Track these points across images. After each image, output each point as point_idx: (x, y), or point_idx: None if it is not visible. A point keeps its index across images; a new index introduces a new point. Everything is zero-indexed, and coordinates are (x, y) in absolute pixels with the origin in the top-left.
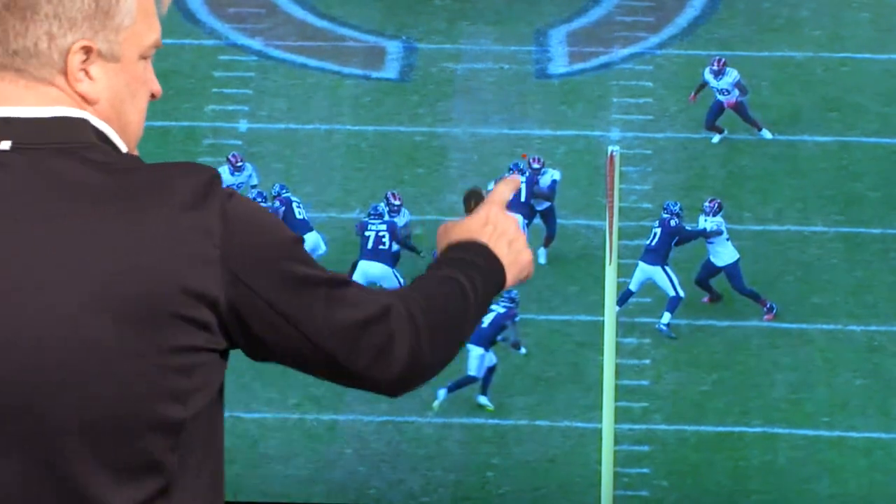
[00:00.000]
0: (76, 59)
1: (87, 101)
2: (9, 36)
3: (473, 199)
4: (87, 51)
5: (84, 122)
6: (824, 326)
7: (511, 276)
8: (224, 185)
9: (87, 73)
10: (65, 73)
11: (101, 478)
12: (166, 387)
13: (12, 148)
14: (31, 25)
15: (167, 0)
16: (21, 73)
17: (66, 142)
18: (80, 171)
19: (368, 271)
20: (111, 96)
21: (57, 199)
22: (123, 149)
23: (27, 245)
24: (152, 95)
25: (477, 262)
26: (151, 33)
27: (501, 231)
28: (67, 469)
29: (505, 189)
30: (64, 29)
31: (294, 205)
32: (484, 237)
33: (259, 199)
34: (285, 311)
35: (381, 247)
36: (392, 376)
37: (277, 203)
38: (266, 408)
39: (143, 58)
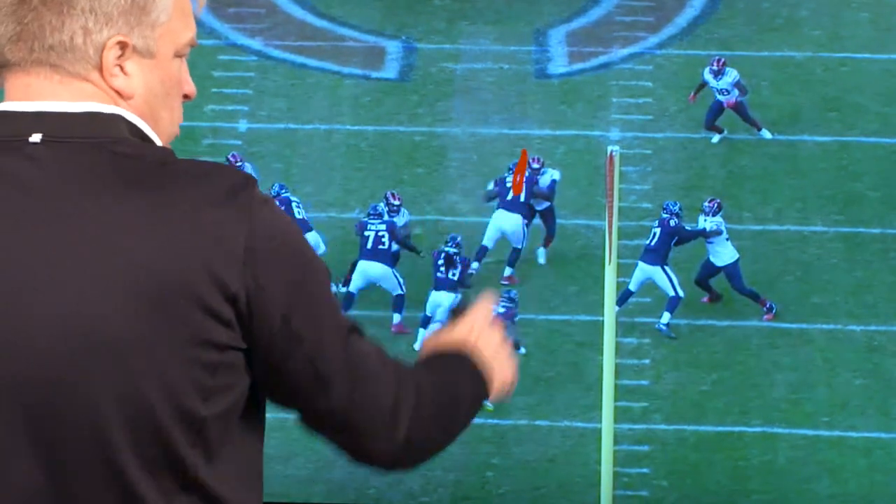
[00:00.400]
0: (112, 54)
1: (122, 96)
2: (45, 31)
3: (460, 312)
4: (123, 46)
5: (117, 117)
6: (824, 326)
7: (494, 388)
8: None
9: (122, 68)
10: (100, 68)
11: (134, 470)
12: (189, 379)
13: (42, 141)
14: (67, 20)
15: (203, 0)
16: (56, 69)
17: (97, 136)
18: (108, 165)
19: (368, 271)
20: (145, 92)
21: (83, 192)
22: (159, 143)
23: (51, 238)
24: (186, 96)
25: (461, 373)
26: (187, 31)
27: (486, 342)
28: (104, 462)
29: (489, 303)
30: (100, 24)
31: (294, 205)
32: (468, 347)
33: None
34: (298, 330)
35: (380, 247)
36: (389, 440)
37: (277, 203)
38: (265, 408)
39: (179, 56)
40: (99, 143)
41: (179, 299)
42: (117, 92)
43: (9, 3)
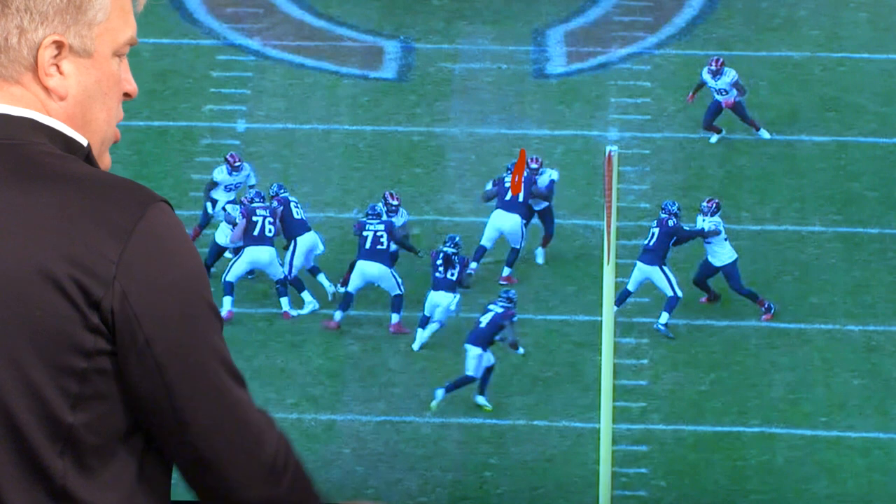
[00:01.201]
0: (47, 53)
1: (55, 96)
2: None
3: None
4: (59, 46)
5: (27, 120)
6: (822, 326)
7: None
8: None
9: (58, 68)
10: (34, 68)
11: (5, 477)
12: (53, 385)
13: None
14: (1, 20)
15: None
16: None
17: (3, 138)
18: (4, 166)
19: (366, 271)
20: (79, 92)
21: None
22: (84, 143)
23: None
24: (127, 95)
25: None
26: (126, 30)
27: None
28: None
29: None
30: (35, 23)
31: (292, 205)
32: None
33: (257, 199)
34: (159, 359)
35: (378, 247)
36: (265, 493)
37: (276, 203)
38: (264, 407)
39: (118, 55)
40: (3, 145)
41: (38, 302)
42: (51, 91)
43: None
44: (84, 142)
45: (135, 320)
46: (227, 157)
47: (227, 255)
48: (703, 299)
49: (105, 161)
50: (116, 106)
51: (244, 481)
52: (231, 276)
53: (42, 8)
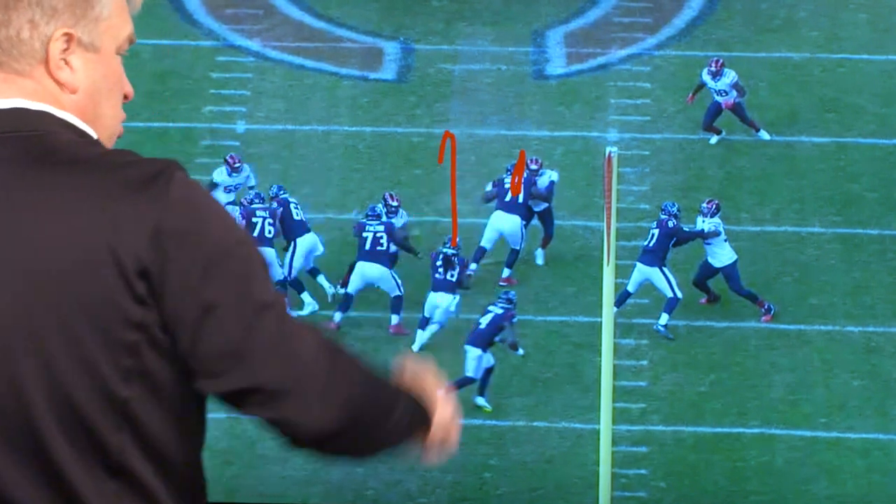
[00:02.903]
0: (57, 46)
1: (66, 89)
2: None
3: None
4: (69, 39)
5: (45, 113)
6: (822, 327)
7: (431, 429)
8: (193, 177)
9: (67, 62)
10: (45, 62)
11: (62, 454)
12: (105, 359)
13: None
14: (13, 15)
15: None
16: (1, 66)
17: (22, 130)
18: (28, 156)
19: (366, 272)
20: (89, 86)
21: None
22: (94, 136)
23: None
24: (125, 97)
25: (402, 396)
26: (126, 27)
27: (433, 395)
28: (33, 445)
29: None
30: (46, 17)
31: (292, 206)
32: (421, 390)
33: (257, 200)
34: (212, 301)
35: (378, 248)
36: (317, 417)
37: (275, 204)
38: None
39: (119, 53)
40: (23, 136)
41: (86, 279)
42: (62, 85)
43: None
44: (94, 135)
45: (181, 275)
46: (227, 158)
47: None
48: (703, 300)
49: None
50: (119, 104)
51: (306, 409)
52: None
53: (52, 2)
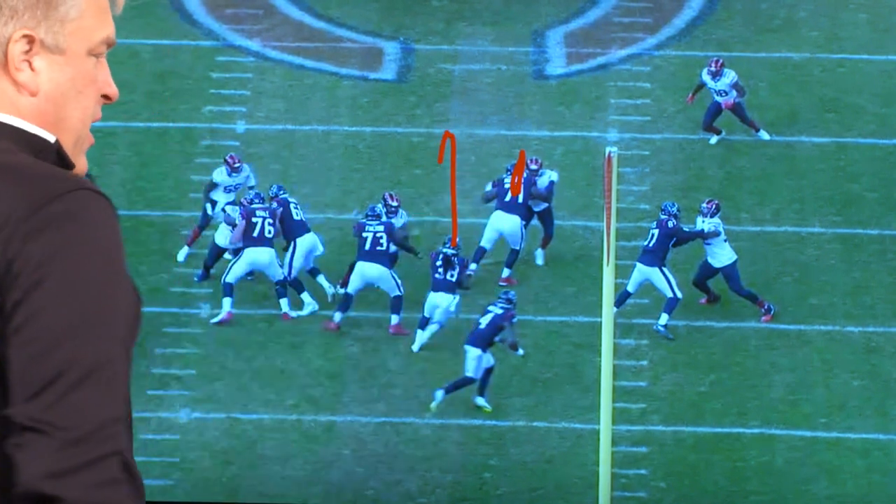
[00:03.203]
0: (17, 47)
1: (26, 91)
2: None
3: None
4: (30, 41)
5: None
6: (822, 327)
7: None
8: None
9: (30, 64)
10: (4, 64)
11: None
12: None
13: None
14: None
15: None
16: None
17: None
18: None
19: (366, 272)
20: (52, 89)
21: None
22: (50, 139)
23: None
24: (107, 97)
25: None
26: (102, 29)
27: None
28: None
29: None
30: (5, 17)
31: (291, 206)
32: None
33: (257, 200)
34: (18, 320)
35: (378, 248)
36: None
37: (275, 204)
38: (264, 409)
39: (94, 54)
40: None
41: None
42: (21, 86)
43: None
44: (51, 138)
45: (22, 276)
46: (227, 158)
47: (227, 256)
48: (703, 300)
49: (81, 163)
50: (93, 106)
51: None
52: (230, 278)
53: (12, 3)
